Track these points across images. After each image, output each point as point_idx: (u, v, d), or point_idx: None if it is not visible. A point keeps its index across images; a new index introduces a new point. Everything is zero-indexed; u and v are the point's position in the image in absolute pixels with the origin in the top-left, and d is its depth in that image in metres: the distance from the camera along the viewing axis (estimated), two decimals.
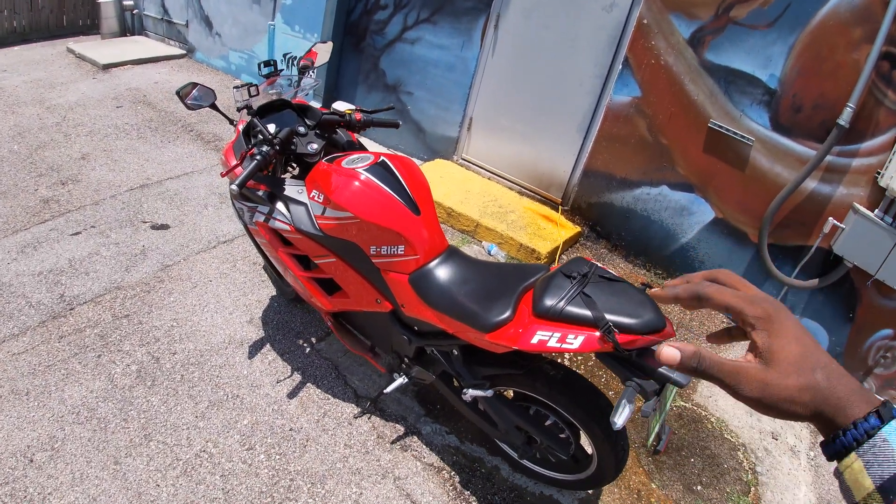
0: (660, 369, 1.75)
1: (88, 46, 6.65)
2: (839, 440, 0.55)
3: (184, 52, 6.80)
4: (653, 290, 0.72)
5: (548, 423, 2.25)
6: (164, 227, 3.71)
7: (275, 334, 3.00)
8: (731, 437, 3.00)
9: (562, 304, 1.78)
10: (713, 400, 3.18)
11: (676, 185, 3.82)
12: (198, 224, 3.79)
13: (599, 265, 1.98)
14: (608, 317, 1.71)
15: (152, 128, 5.03)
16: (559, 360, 3.07)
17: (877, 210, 3.23)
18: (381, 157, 2.17)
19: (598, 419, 1.97)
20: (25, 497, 2.11)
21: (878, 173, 3.21)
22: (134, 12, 7.14)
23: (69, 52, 6.59)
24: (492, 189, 4.49)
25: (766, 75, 3.38)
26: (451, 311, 1.95)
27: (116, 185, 4.10)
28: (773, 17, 3.30)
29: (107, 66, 6.16)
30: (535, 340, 1.76)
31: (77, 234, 3.54)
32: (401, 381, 2.35)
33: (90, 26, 7.50)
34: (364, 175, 2.07)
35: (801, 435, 3.12)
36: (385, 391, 2.38)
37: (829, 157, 3.29)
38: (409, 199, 2.08)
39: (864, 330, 3.49)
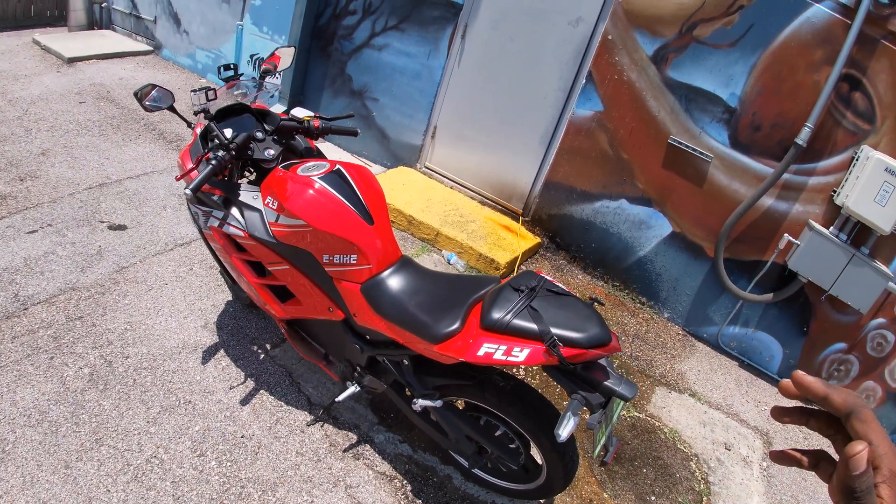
0: (605, 382, 1.79)
1: (54, 39, 6.53)
2: None
3: (151, 48, 6.72)
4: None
5: (498, 433, 2.28)
6: (122, 227, 3.67)
7: (229, 340, 2.99)
8: (684, 447, 3.06)
9: (508, 317, 1.82)
10: (666, 411, 3.24)
11: (635, 199, 3.89)
12: (156, 226, 3.76)
13: (549, 279, 2.02)
14: (554, 330, 1.75)
15: (114, 125, 4.96)
16: (510, 372, 3.11)
17: (832, 227, 3.35)
18: (337, 166, 2.19)
19: (547, 430, 1.99)
20: None
21: (835, 192, 3.32)
22: (102, 5, 7.03)
23: (35, 43, 6.46)
24: (454, 198, 4.52)
25: (726, 94, 3.47)
26: (402, 322, 1.97)
27: (75, 182, 4.04)
28: (735, 36, 3.39)
29: (72, 60, 6.06)
30: (481, 353, 1.80)
31: (34, 232, 3.48)
32: (353, 389, 2.37)
33: (58, 18, 7.37)
34: (318, 183, 2.09)
35: (753, 445, 3.21)
36: (337, 399, 2.39)
37: (786, 175, 3.39)
38: (363, 209, 2.10)
39: (818, 344, 3.61)
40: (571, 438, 2.07)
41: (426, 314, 1.96)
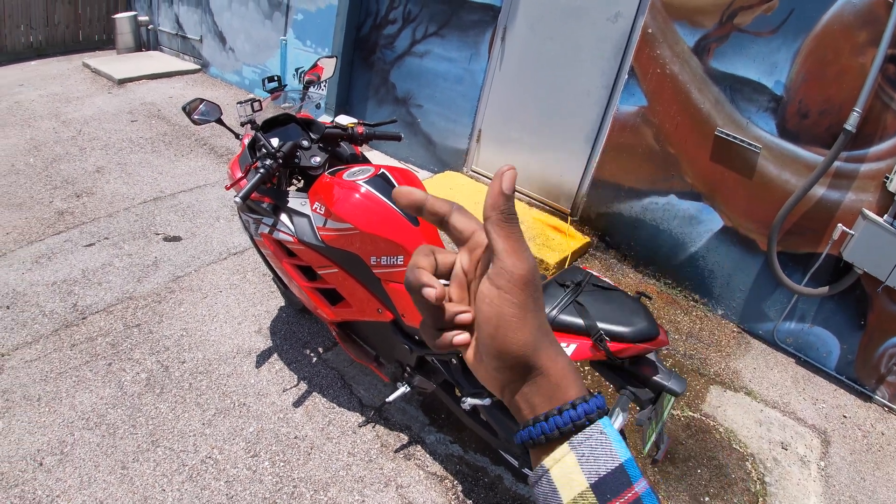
0: (654, 377, 1.78)
1: (104, 61, 6.84)
2: (542, 425, 0.44)
3: (198, 66, 6.97)
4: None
5: None
6: (177, 238, 3.81)
7: (282, 344, 3.07)
8: (740, 447, 2.99)
9: (554, 312, 1.82)
10: (721, 410, 3.18)
11: (684, 194, 3.84)
12: (209, 236, 3.89)
13: (594, 273, 2.02)
14: (600, 325, 1.74)
15: (166, 142, 5.16)
16: None
17: (886, 215, 3.23)
18: (381, 170, 2.23)
19: None
20: (34, 499, 2.19)
21: (887, 178, 3.20)
22: (149, 28, 7.33)
23: (85, 66, 6.78)
24: None
25: (771, 82, 3.40)
26: None
27: (130, 197, 4.22)
28: (776, 23, 3.32)
29: (122, 81, 6.34)
30: None
31: (91, 245, 3.65)
32: (403, 389, 2.40)
33: (106, 41, 7.71)
34: (364, 187, 2.14)
35: (811, 445, 3.11)
36: (388, 400, 2.43)
37: (836, 163, 3.29)
38: None
39: (876, 337, 3.48)
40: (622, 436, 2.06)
41: None
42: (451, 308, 0.48)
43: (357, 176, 2.20)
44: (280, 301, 3.37)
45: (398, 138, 2.61)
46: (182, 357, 2.89)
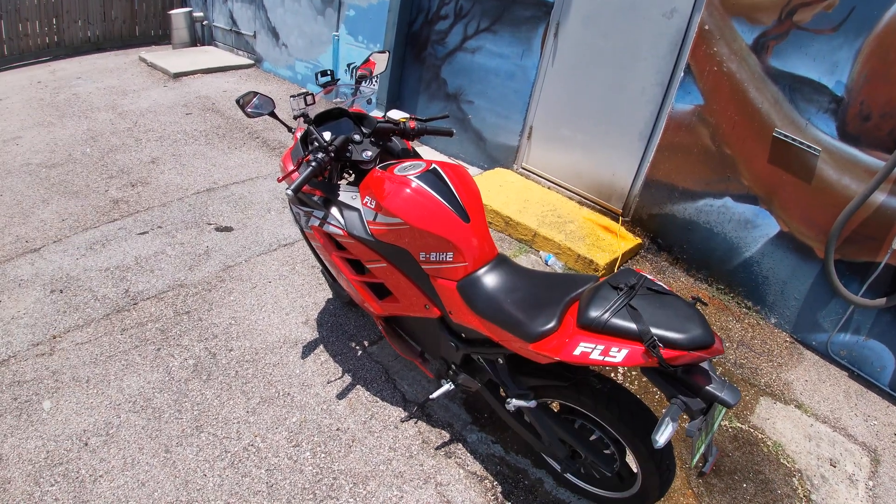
0: (707, 387, 1.70)
1: (160, 56, 7.01)
2: None
3: (252, 61, 7.09)
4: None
5: (593, 437, 2.22)
6: (228, 229, 3.88)
7: (329, 336, 3.09)
8: (788, 462, 2.88)
9: (606, 315, 1.75)
10: (770, 422, 3.07)
11: (740, 197, 3.71)
12: (260, 227, 3.95)
13: (649, 277, 1.95)
14: (654, 330, 1.67)
15: (220, 134, 5.26)
16: (608, 374, 3.03)
17: None
18: (433, 165, 2.21)
19: (643, 436, 1.92)
20: (77, 478, 2.26)
21: None
22: (204, 23, 7.48)
23: (141, 60, 6.96)
24: (551, 198, 4.48)
25: (832, 82, 3.27)
26: (497, 320, 1.96)
27: (184, 188, 4.31)
28: (837, 20, 3.19)
29: (177, 75, 6.48)
30: (577, 352, 1.74)
31: (144, 233, 3.74)
32: (447, 387, 2.38)
33: (161, 36, 7.91)
34: (415, 182, 2.12)
35: (860, 463, 2.98)
36: (431, 397, 2.41)
37: None
38: (459, 207, 2.11)
39: None
40: (669, 446, 1.97)
41: (522, 312, 1.93)
42: None
43: (408, 171, 2.18)
44: (327, 293, 3.39)
45: (450, 133, 2.58)
46: (230, 345, 2.94)
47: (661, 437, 1.64)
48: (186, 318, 3.08)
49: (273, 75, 6.92)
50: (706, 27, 3.59)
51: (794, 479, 2.79)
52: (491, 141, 5.00)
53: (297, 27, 6.32)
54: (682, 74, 3.75)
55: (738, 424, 3.02)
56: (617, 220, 4.31)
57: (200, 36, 7.59)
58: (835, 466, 2.92)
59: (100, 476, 2.27)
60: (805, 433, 3.07)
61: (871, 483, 2.88)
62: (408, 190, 2.10)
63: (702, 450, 1.84)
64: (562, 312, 1.90)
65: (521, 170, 4.90)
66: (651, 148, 4.05)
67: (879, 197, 3.25)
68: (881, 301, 3.32)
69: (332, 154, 2.23)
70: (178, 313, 3.11)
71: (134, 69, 6.76)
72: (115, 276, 3.34)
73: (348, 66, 5.50)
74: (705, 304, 2.03)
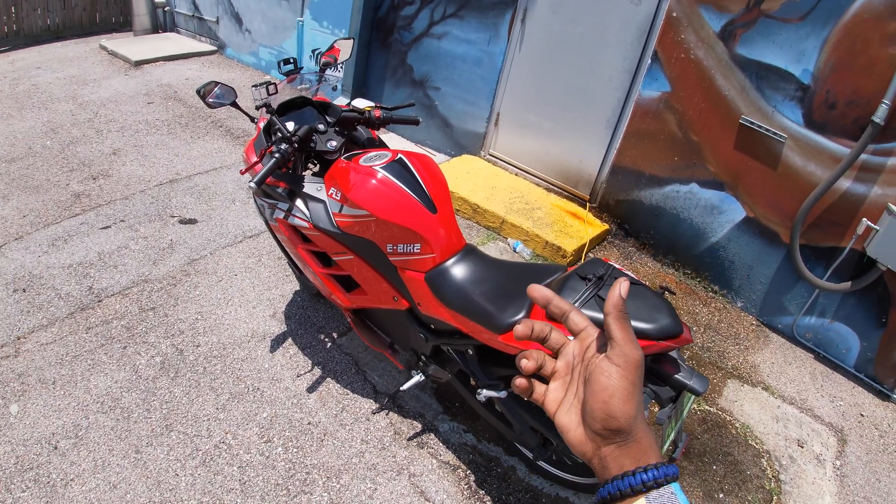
0: (676, 376, 1.73)
1: (121, 43, 6.83)
2: (630, 479, 0.54)
3: (214, 48, 6.94)
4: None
5: None
6: (192, 221, 3.80)
7: (297, 329, 3.06)
8: (756, 443, 2.95)
9: (576, 306, 1.78)
10: (738, 405, 3.13)
11: (706, 183, 3.76)
12: (225, 219, 3.88)
13: (617, 266, 1.97)
14: None
15: (182, 123, 5.15)
16: None
17: None
18: (399, 155, 2.19)
19: None
20: (49, 482, 2.20)
21: None
22: (165, 9, 7.30)
23: (102, 48, 6.77)
24: (519, 185, 4.49)
25: (798, 70, 3.31)
26: (466, 311, 1.96)
27: (146, 179, 4.21)
28: (805, 9, 3.23)
29: (139, 63, 6.32)
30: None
31: (107, 227, 3.65)
32: (417, 378, 2.38)
33: (122, 23, 7.69)
34: (381, 173, 2.10)
35: (827, 443, 3.06)
36: (402, 388, 2.40)
37: (863, 156, 3.20)
38: (426, 198, 2.10)
39: None
40: None
41: (490, 303, 1.94)
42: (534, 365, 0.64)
43: (374, 161, 2.16)
44: (295, 285, 3.36)
45: (416, 122, 2.56)
46: (197, 341, 2.89)
47: None
48: (152, 315, 3.02)
49: (236, 62, 6.78)
50: (674, 14, 3.60)
51: (762, 459, 2.86)
52: (458, 128, 4.98)
53: (261, 12, 6.20)
54: (650, 61, 3.77)
55: (707, 407, 3.07)
56: (584, 207, 4.33)
57: (162, 22, 7.41)
58: (802, 447, 3.00)
59: (71, 480, 2.23)
60: (772, 415, 3.13)
61: (838, 462, 2.95)
62: (373, 181, 2.08)
63: (672, 436, 1.87)
64: (530, 303, 1.91)
65: (488, 156, 4.90)
66: (618, 134, 4.08)
67: (844, 183, 3.31)
68: (846, 285, 3.39)
69: (296, 144, 2.19)
70: (144, 309, 3.05)
71: (94, 57, 6.57)
72: (79, 273, 3.25)
73: (313, 51, 5.41)
74: (673, 294, 2.05)
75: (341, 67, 2.72)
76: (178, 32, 7.39)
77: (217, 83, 2.41)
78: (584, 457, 0.59)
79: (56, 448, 2.33)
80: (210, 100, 2.39)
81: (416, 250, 2.05)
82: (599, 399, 0.56)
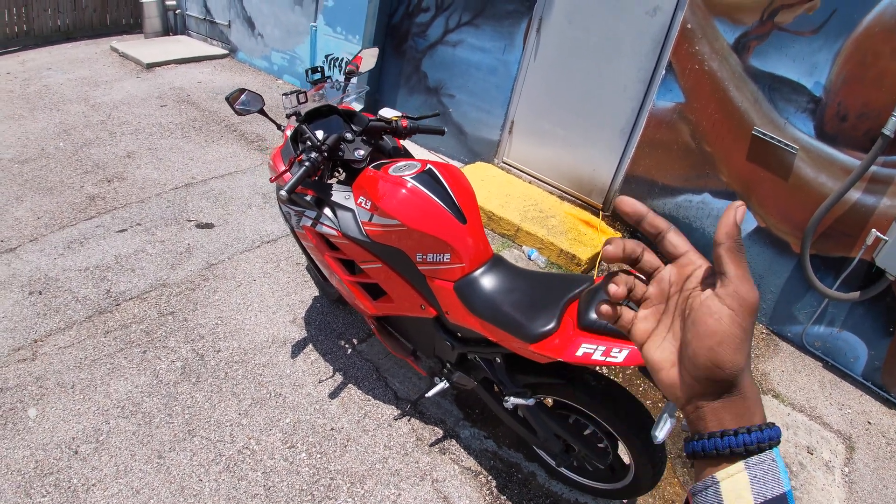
0: None
1: (132, 45, 6.81)
2: (731, 439, 0.49)
3: (226, 52, 6.92)
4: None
5: (587, 432, 2.26)
6: (209, 225, 3.79)
7: (317, 335, 3.05)
8: None
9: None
10: None
11: (719, 193, 3.77)
12: (242, 223, 3.87)
13: (644, 278, 1.98)
14: None
15: (196, 127, 5.13)
16: (601, 371, 3.07)
17: None
18: (428, 165, 2.19)
19: (638, 431, 1.97)
20: (69, 487, 2.19)
21: None
22: (176, 12, 7.28)
23: (113, 50, 6.75)
24: (532, 193, 4.49)
25: (811, 83, 3.32)
26: (496, 321, 1.96)
27: (162, 183, 4.20)
28: (818, 23, 3.24)
29: (150, 66, 6.30)
30: (580, 353, 1.77)
31: (123, 231, 3.64)
32: (442, 385, 2.38)
33: (133, 25, 7.68)
34: (411, 183, 2.10)
35: (836, 450, 3.07)
36: (427, 395, 2.40)
37: (873, 168, 3.22)
38: (456, 208, 2.10)
39: None
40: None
41: (521, 313, 1.94)
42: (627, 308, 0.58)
43: (403, 171, 2.15)
44: (314, 291, 3.35)
45: (441, 132, 2.56)
46: (217, 346, 2.88)
47: (661, 432, 1.68)
48: (171, 319, 3.01)
49: (248, 66, 6.77)
50: (689, 26, 3.62)
51: None
52: (472, 135, 4.98)
53: (274, 17, 6.18)
54: (664, 72, 3.78)
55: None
56: (597, 215, 4.33)
57: (173, 25, 7.39)
58: (812, 454, 3.00)
59: (93, 485, 2.21)
60: (783, 422, 3.14)
61: (846, 469, 2.96)
62: (404, 191, 2.08)
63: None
64: (560, 313, 1.92)
65: (502, 164, 4.90)
66: (632, 144, 4.08)
67: (854, 195, 3.32)
68: (855, 294, 3.40)
69: (326, 153, 2.19)
70: (163, 314, 3.04)
71: (105, 59, 6.55)
72: (96, 276, 3.24)
73: (326, 57, 5.39)
74: None
75: (362, 78, 2.71)
76: (188, 35, 7.37)
77: (244, 90, 2.41)
78: (677, 401, 0.54)
79: (76, 453, 2.32)
80: (237, 106, 2.39)
81: (445, 260, 2.05)
82: (706, 344, 0.50)
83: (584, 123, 4.31)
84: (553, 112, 4.45)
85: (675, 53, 3.71)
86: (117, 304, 3.07)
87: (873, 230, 3.27)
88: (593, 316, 1.81)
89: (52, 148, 4.54)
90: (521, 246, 4.04)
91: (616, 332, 1.77)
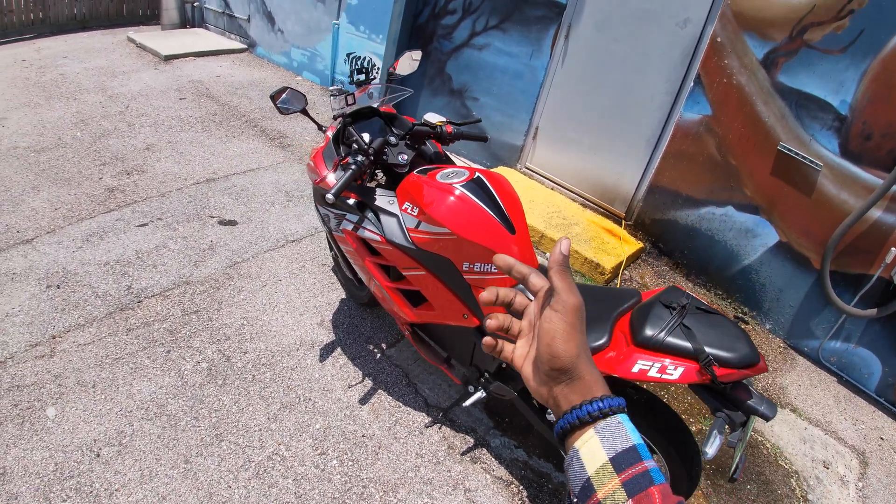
0: (749, 402, 1.72)
1: (149, 37, 6.63)
2: (577, 411, 0.57)
3: (244, 46, 6.75)
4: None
5: None
6: (232, 222, 3.66)
7: (345, 338, 2.93)
8: (786, 463, 2.90)
9: (663, 334, 1.76)
10: (769, 426, 3.07)
11: (742, 207, 3.69)
12: (265, 221, 3.74)
13: (694, 296, 1.95)
14: (708, 350, 1.69)
15: (216, 121, 4.98)
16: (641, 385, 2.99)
17: None
18: (477, 174, 2.09)
19: (677, 444, 1.95)
20: (91, 492, 2.06)
21: None
22: (195, 4, 7.10)
23: (129, 41, 6.58)
24: (555, 200, 4.39)
25: (837, 101, 3.25)
26: None
27: (182, 177, 4.06)
28: (846, 42, 3.17)
29: (168, 58, 6.13)
30: (635, 369, 1.74)
31: (144, 225, 3.50)
32: (479, 395, 2.28)
33: (149, 16, 7.50)
34: (460, 190, 2.00)
35: (850, 465, 3.02)
36: (464, 405, 2.30)
37: (895, 187, 3.16)
38: (505, 217, 2.01)
39: None
40: (696, 450, 1.98)
41: None
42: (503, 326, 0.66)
43: (452, 178, 2.05)
44: (341, 293, 3.23)
45: (484, 139, 2.46)
46: (244, 347, 2.76)
47: (711, 448, 1.69)
48: (195, 318, 2.88)
49: (267, 61, 6.58)
50: (718, 39, 3.53)
51: (792, 479, 2.81)
52: (495, 139, 4.87)
53: (295, 13, 6.01)
54: (692, 84, 3.69)
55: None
56: (620, 224, 4.24)
57: (191, 17, 7.20)
58: (828, 468, 2.96)
59: (116, 490, 2.08)
60: (800, 436, 3.09)
61: (860, 484, 2.92)
62: (453, 198, 1.98)
63: (738, 457, 1.87)
64: (611, 328, 1.88)
65: (524, 169, 4.79)
66: (657, 154, 3.99)
67: (876, 213, 3.26)
68: (872, 311, 3.34)
69: (372, 157, 2.09)
70: (187, 312, 2.91)
71: (122, 49, 6.37)
72: (116, 272, 3.10)
73: (348, 55, 5.25)
74: (747, 323, 2.01)
75: (375, 78, 2.59)
76: (206, 28, 7.19)
77: (287, 88, 2.30)
78: (543, 400, 0.62)
79: (98, 456, 2.19)
80: (279, 105, 2.28)
81: (493, 269, 1.96)
82: (544, 342, 0.59)
83: (609, 132, 4.21)
84: (579, 119, 4.35)
85: (704, 66, 3.62)
86: (139, 301, 2.93)
87: (893, 248, 3.23)
88: (649, 332, 1.77)
89: (69, 137, 4.39)
90: (545, 253, 3.94)
91: (672, 350, 1.73)
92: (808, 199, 3.45)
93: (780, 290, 3.67)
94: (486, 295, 0.66)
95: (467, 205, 1.97)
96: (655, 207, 4.10)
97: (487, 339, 0.66)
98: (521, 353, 0.65)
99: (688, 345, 1.71)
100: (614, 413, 0.56)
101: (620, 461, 0.53)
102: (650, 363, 1.73)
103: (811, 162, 3.37)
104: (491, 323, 0.65)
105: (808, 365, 3.64)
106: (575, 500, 0.56)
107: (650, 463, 0.54)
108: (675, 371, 1.69)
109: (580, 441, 0.56)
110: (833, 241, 3.35)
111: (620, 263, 3.79)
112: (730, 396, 1.74)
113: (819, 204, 3.42)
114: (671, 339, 1.74)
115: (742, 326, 1.87)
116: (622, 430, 0.55)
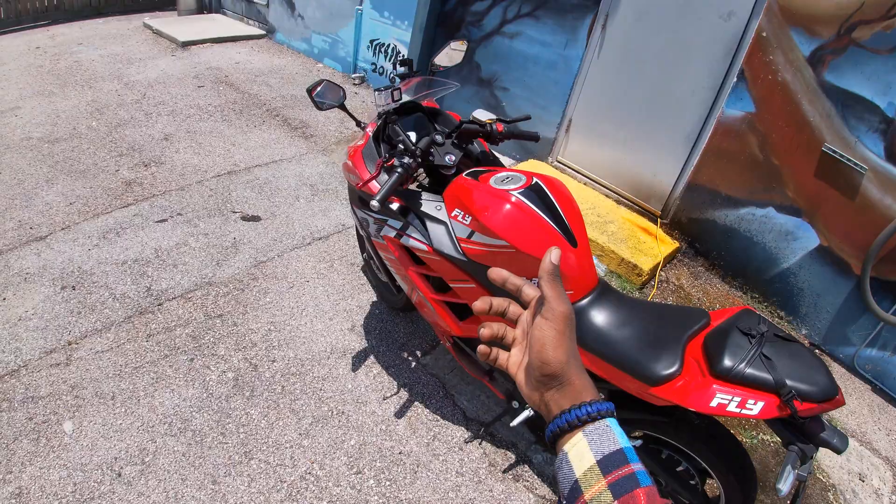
0: (821, 434, 1.57)
1: (165, 23, 6.34)
2: (566, 415, 0.57)
3: (263, 32, 6.43)
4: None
5: (680, 468, 1.98)
6: (255, 218, 3.41)
7: (378, 345, 2.70)
8: (823, 476, 2.73)
9: (742, 365, 1.56)
10: None
11: (783, 208, 3.45)
12: (290, 217, 3.49)
13: (770, 321, 1.74)
14: (789, 383, 1.51)
15: (236, 110, 4.71)
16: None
17: None
18: (534, 179, 1.85)
19: (737, 470, 1.79)
20: None
21: None
22: None
23: (146, 27, 6.29)
24: (588, 195, 4.13)
25: (884, 102, 3.01)
26: (610, 359, 1.68)
27: (202, 170, 3.80)
28: (895, 42, 2.93)
29: (186, 44, 5.84)
30: (714, 403, 1.54)
31: (163, 221, 3.26)
32: (527, 413, 2.05)
33: (165, 2, 7.20)
34: (517, 198, 1.76)
35: (884, 477, 2.85)
36: (512, 424, 2.07)
37: None
38: (567, 229, 1.77)
39: None
40: (753, 475, 1.81)
41: (638, 351, 1.66)
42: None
43: (507, 184, 1.81)
44: (371, 295, 2.99)
45: (536, 138, 2.21)
46: (272, 355, 2.53)
47: (785, 485, 1.54)
48: (220, 323, 2.65)
49: (287, 47, 6.26)
50: (763, 34, 3.27)
51: (829, 493, 2.66)
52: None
53: None
54: (735, 80, 3.43)
55: (778, 438, 2.83)
56: (655, 222, 3.98)
57: (207, 2, 6.89)
58: (863, 481, 2.80)
59: None
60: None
61: (894, 498, 2.76)
62: (512, 208, 1.74)
63: (802, 492, 1.70)
64: (682, 353, 1.65)
65: (555, 163, 4.52)
66: (696, 151, 3.73)
67: None
68: None
69: (420, 159, 1.84)
70: (210, 317, 2.67)
71: (138, 36, 6.08)
72: (135, 272, 2.86)
73: (371, 42, 4.94)
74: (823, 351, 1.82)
75: (416, 74, 2.32)
76: (223, 14, 6.87)
77: (323, 80, 2.06)
78: (535, 405, 0.61)
79: (120, 475, 1.98)
80: (316, 98, 2.04)
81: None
82: (535, 349, 0.59)
83: (646, 127, 3.94)
84: (615, 112, 4.08)
85: (748, 61, 3.36)
86: (159, 304, 2.70)
87: None
88: (728, 363, 1.56)
89: (84, 128, 4.13)
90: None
91: (752, 382, 1.54)
92: (852, 202, 3.21)
93: (818, 294, 3.45)
94: (479, 304, 0.66)
95: (528, 215, 1.73)
96: (693, 206, 3.85)
97: (482, 348, 0.66)
98: (515, 361, 0.65)
99: (768, 377, 1.53)
100: (603, 417, 0.57)
101: (607, 463, 0.53)
102: (729, 397, 1.53)
103: (856, 164, 3.13)
104: (485, 332, 0.65)
105: (843, 372, 3.44)
106: (564, 501, 0.56)
107: (637, 465, 0.54)
108: (754, 406, 1.51)
109: (569, 444, 0.56)
110: (875, 247, 3.13)
111: (658, 265, 3.55)
112: (804, 429, 1.58)
113: (862, 208, 3.19)
114: (751, 371, 1.54)
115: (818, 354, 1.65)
116: (610, 434, 0.56)
